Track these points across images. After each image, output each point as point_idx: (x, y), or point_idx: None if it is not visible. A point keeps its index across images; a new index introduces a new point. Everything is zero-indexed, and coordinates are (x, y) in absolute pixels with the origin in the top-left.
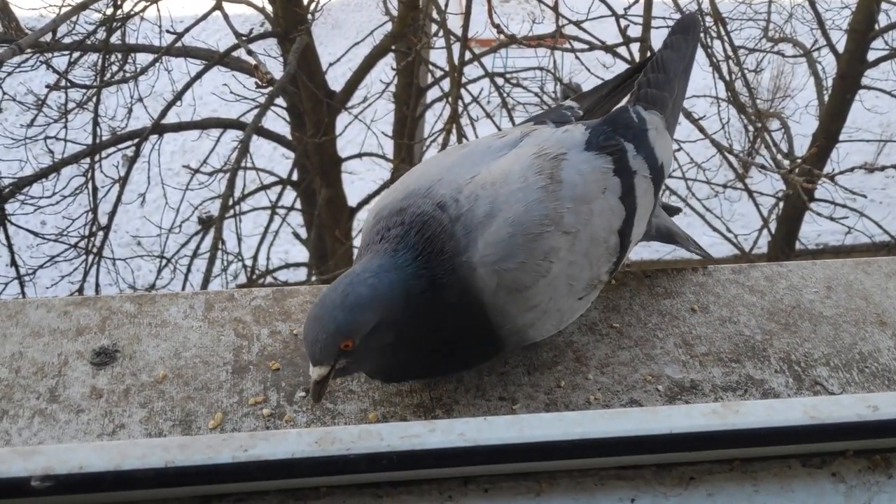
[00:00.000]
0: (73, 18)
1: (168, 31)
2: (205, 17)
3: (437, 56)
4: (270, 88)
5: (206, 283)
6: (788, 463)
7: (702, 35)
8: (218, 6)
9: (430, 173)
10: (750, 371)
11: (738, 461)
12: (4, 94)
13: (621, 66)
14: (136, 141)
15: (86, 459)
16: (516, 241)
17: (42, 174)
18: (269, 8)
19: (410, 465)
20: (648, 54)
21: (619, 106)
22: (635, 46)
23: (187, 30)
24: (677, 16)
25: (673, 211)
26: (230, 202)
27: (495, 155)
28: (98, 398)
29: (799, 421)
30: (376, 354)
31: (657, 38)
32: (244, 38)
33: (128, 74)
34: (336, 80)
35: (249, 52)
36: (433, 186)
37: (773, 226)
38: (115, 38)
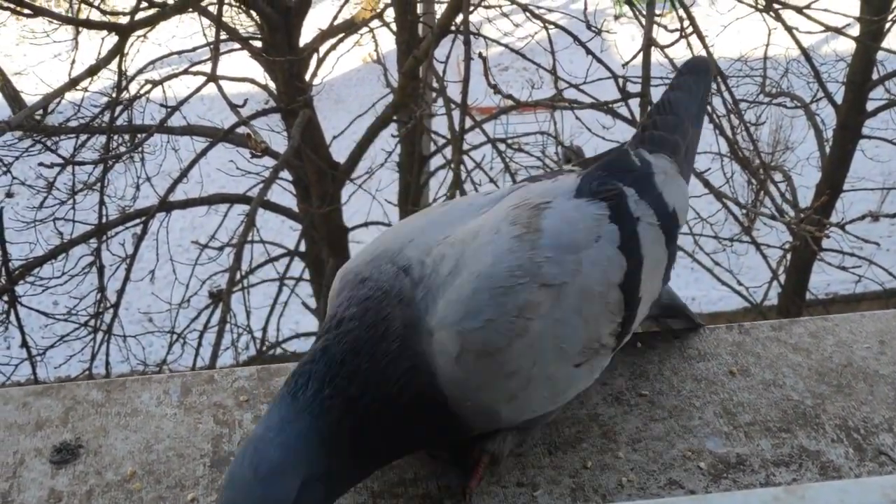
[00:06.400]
0: (79, 102)
1: (162, 105)
2: (197, 90)
3: (439, 124)
4: (266, 157)
5: (214, 356)
6: None
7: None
8: (212, 79)
9: (405, 232)
10: (803, 441)
11: None
12: (14, 178)
13: (622, 127)
14: (143, 219)
15: None
16: (481, 296)
17: (51, 255)
18: (271, 85)
19: None
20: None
21: (616, 149)
22: (635, 103)
23: (181, 103)
24: (673, 75)
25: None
26: (238, 275)
27: (476, 213)
28: (57, 502)
29: None
30: None
31: (657, 94)
32: (239, 107)
33: (133, 154)
34: (340, 152)
35: (244, 123)
36: (404, 248)
37: (782, 277)
38: (121, 120)
